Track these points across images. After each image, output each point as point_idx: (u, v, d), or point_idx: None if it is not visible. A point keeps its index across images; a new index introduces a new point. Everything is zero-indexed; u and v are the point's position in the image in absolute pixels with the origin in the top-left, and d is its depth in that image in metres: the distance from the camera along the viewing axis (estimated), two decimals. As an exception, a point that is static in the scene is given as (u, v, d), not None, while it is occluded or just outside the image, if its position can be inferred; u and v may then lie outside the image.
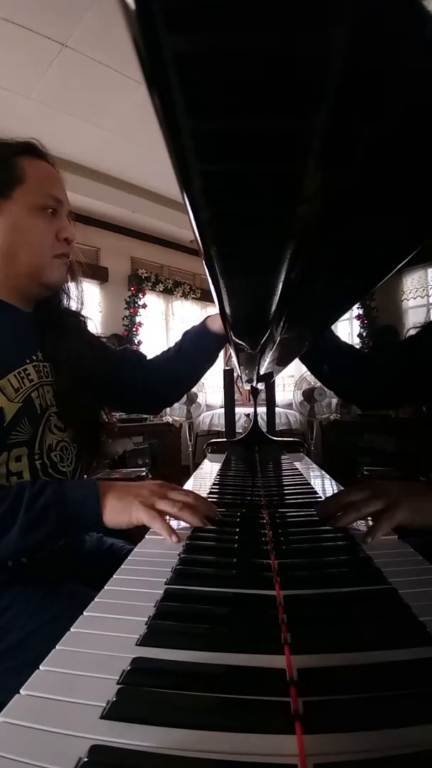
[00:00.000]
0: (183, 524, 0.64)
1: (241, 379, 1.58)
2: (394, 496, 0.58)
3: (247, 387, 2.13)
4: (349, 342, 4.60)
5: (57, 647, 0.35)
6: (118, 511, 0.60)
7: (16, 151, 0.72)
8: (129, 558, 0.54)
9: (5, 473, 0.65)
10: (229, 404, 1.67)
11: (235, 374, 1.64)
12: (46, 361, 0.74)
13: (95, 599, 0.43)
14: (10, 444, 0.65)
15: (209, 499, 0.77)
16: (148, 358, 0.98)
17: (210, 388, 4.47)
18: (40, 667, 0.32)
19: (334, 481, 1.03)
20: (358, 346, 4.36)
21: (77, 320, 0.85)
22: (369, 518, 0.61)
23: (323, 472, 1.14)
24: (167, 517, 0.62)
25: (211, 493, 0.87)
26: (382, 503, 0.57)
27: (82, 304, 0.86)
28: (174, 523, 0.63)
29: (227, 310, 0.45)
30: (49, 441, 0.72)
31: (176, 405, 3.64)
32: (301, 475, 1.08)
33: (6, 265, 0.70)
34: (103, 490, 0.61)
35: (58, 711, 0.28)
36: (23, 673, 0.31)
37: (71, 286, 0.84)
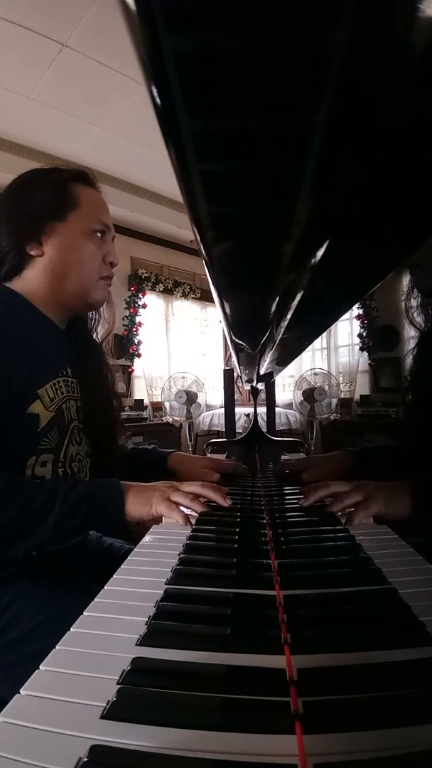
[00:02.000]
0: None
1: (241, 379, 1.58)
2: (371, 490, 0.67)
3: (247, 387, 2.13)
4: (349, 342, 4.59)
5: (57, 647, 0.35)
6: (139, 503, 0.65)
7: (71, 178, 0.77)
8: (129, 558, 0.54)
9: (30, 476, 0.69)
10: (229, 404, 1.67)
11: (235, 374, 1.64)
12: (74, 377, 0.80)
13: (95, 599, 0.43)
14: (39, 450, 0.70)
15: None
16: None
17: (210, 388, 4.47)
18: (40, 667, 0.32)
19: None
20: (357, 346, 4.39)
21: (101, 347, 0.92)
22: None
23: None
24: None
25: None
26: (362, 495, 0.67)
27: (112, 326, 0.93)
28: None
29: (227, 309, 0.45)
30: (71, 452, 0.77)
31: (176, 405, 3.65)
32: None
33: (55, 282, 0.75)
34: (125, 487, 0.66)
35: (58, 711, 0.28)
36: (32, 662, 0.32)
37: (105, 310, 0.90)
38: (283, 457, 1.30)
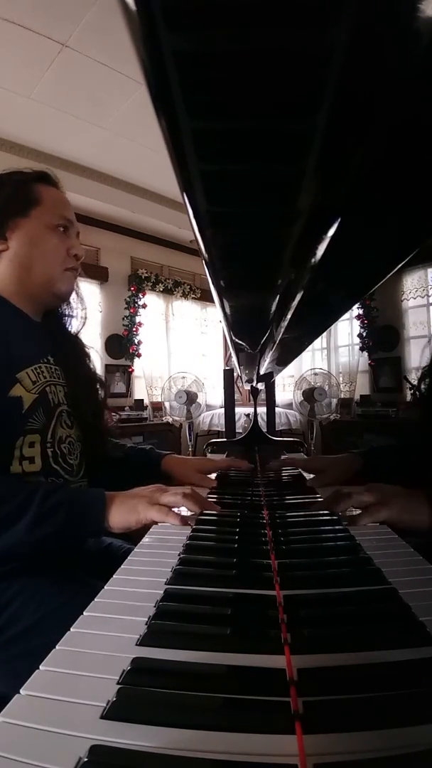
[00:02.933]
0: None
1: (241, 379, 1.58)
2: (386, 494, 0.64)
3: (247, 387, 2.13)
4: (349, 342, 4.59)
5: (57, 647, 0.35)
6: (124, 512, 0.64)
7: (32, 179, 0.82)
8: (129, 558, 0.54)
9: (19, 456, 0.70)
10: (229, 404, 1.67)
11: (235, 374, 1.64)
12: (57, 364, 0.83)
13: (95, 599, 0.43)
14: (25, 429, 0.71)
15: (209, 499, 0.78)
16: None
17: (210, 388, 4.47)
18: (40, 667, 0.32)
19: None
20: (357, 346, 4.39)
21: (77, 337, 0.94)
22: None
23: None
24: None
25: (211, 493, 0.87)
26: (374, 498, 0.64)
27: (84, 319, 0.95)
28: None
29: (227, 309, 0.45)
30: (59, 434, 0.79)
31: (176, 405, 3.65)
32: (301, 474, 1.08)
33: (23, 275, 0.79)
34: (109, 497, 0.66)
35: (58, 711, 0.28)
36: (34, 657, 0.32)
37: (74, 300, 0.92)
38: (286, 456, 1.30)
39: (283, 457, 1.25)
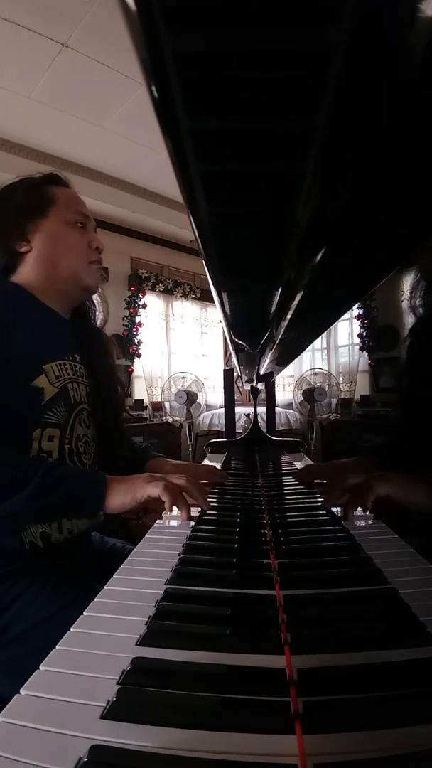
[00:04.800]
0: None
1: (241, 379, 1.58)
2: (382, 473, 0.66)
3: (247, 387, 2.13)
4: (349, 342, 4.58)
5: (57, 647, 0.35)
6: (122, 492, 0.65)
7: (44, 181, 0.85)
8: (129, 558, 0.54)
9: (37, 449, 0.71)
10: (229, 404, 1.67)
11: (235, 374, 1.64)
12: (81, 363, 0.85)
13: (95, 599, 0.43)
14: (45, 422, 0.73)
15: (209, 499, 0.78)
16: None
17: (210, 388, 4.47)
18: (40, 667, 0.32)
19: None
20: (357, 346, 4.39)
21: (104, 334, 0.98)
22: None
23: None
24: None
25: (211, 493, 0.87)
26: (368, 476, 0.65)
27: (106, 317, 1.00)
28: (174, 523, 0.64)
29: (227, 310, 0.45)
30: (77, 431, 0.80)
31: (176, 405, 3.65)
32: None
33: (50, 272, 0.81)
34: (110, 478, 0.66)
35: (58, 711, 0.28)
36: (36, 658, 0.32)
37: (98, 300, 0.96)
38: (303, 463, 1.27)
39: (297, 470, 1.21)
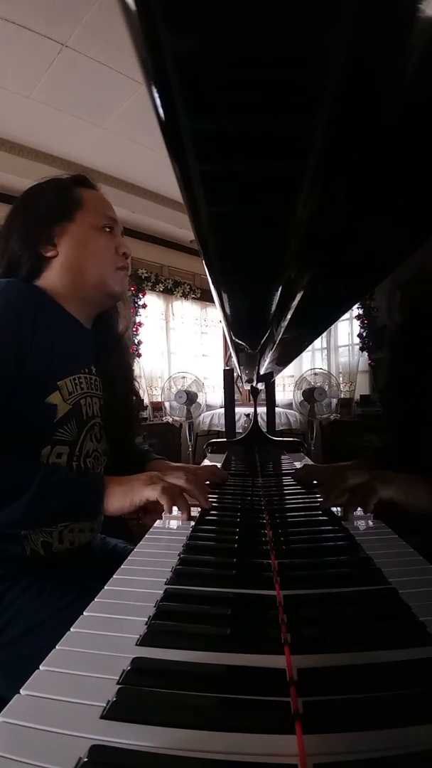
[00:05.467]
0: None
1: (241, 379, 1.58)
2: (383, 473, 0.64)
3: (247, 387, 2.13)
4: (349, 342, 4.58)
5: (57, 647, 0.35)
6: (121, 494, 0.64)
7: (72, 183, 0.83)
8: (129, 558, 0.54)
9: (44, 465, 0.70)
10: (229, 404, 1.67)
11: (235, 374, 1.64)
12: (97, 375, 0.83)
13: (95, 599, 0.43)
14: (55, 440, 0.72)
15: (209, 499, 0.77)
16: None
17: (210, 388, 4.47)
18: (40, 667, 0.32)
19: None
20: (357, 346, 4.39)
21: (125, 344, 0.96)
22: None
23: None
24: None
25: (211, 493, 0.87)
26: (369, 476, 0.64)
27: (128, 322, 0.97)
28: (174, 523, 0.64)
29: (227, 309, 0.45)
30: (87, 447, 0.78)
31: (176, 405, 3.65)
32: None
33: (76, 278, 0.79)
34: (108, 480, 0.66)
35: (58, 711, 0.27)
36: (35, 659, 0.32)
37: (121, 305, 0.93)
38: (303, 463, 1.27)
39: (296, 470, 1.21)
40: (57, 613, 0.60)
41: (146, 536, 0.63)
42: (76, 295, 0.79)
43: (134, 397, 0.93)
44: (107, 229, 0.81)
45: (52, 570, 0.68)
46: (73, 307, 0.79)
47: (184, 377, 3.76)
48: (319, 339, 4.52)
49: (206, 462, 1.38)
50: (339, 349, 4.70)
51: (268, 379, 1.62)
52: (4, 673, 0.57)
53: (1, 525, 0.60)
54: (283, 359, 0.97)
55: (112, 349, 0.89)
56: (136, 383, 0.95)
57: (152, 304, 4.63)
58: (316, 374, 3.72)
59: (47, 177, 0.84)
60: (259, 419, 1.55)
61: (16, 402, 0.65)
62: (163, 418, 4.02)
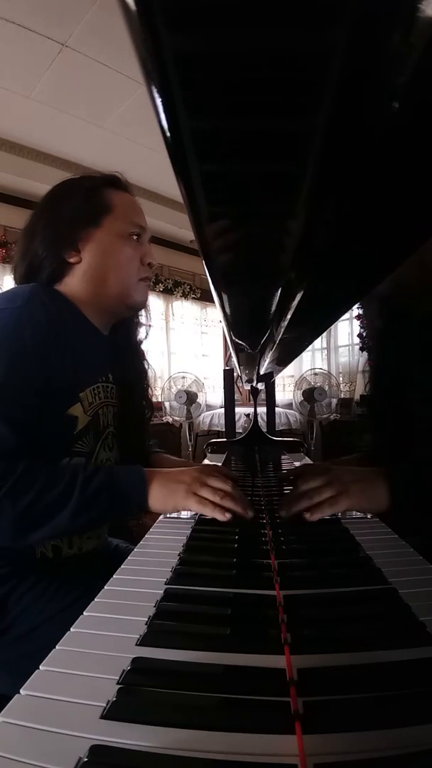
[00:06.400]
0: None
1: (241, 379, 1.58)
2: (344, 484, 0.63)
3: (247, 387, 2.13)
4: (349, 342, 4.58)
5: (57, 647, 0.35)
6: (163, 497, 0.63)
7: (103, 184, 0.79)
8: (129, 558, 0.54)
9: None
10: (229, 404, 1.67)
11: (235, 374, 1.64)
12: (113, 383, 0.81)
13: (95, 599, 0.43)
14: (73, 452, 0.71)
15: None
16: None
17: (210, 388, 4.47)
18: (40, 667, 0.32)
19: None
20: (357, 346, 4.38)
21: (142, 351, 0.92)
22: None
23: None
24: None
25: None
26: (333, 490, 0.62)
27: (149, 326, 0.94)
28: (174, 523, 0.64)
29: (227, 310, 0.45)
30: (101, 457, 0.78)
31: (176, 405, 3.65)
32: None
33: (96, 287, 0.76)
34: (149, 476, 0.64)
35: (58, 711, 0.27)
36: (36, 658, 0.32)
37: (143, 313, 0.91)
38: (303, 463, 1.27)
39: (289, 467, 1.21)
40: (62, 611, 0.61)
41: (146, 536, 0.63)
42: (96, 303, 0.77)
43: (147, 407, 0.91)
44: (134, 237, 0.78)
45: (56, 569, 0.68)
46: (92, 315, 0.78)
47: (184, 377, 3.76)
48: (319, 339, 4.52)
49: (206, 462, 1.38)
50: (339, 349, 4.70)
51: (268, 379, 1.62)
52: (8, 671, 0.57)
53: (49, 537, 0.59)
54: (283, 359, 0.97)
55: (130, 356, 0.87)
56: (150, 390, 0.94)
57: (152, 304, 4.59)
58: (316, 374, 3.72)
59: (78, 174, 0.80)
60: (259, 419, 1.55)
61: (39, 416, 0.64)
62: (163, 418, 4.02)
